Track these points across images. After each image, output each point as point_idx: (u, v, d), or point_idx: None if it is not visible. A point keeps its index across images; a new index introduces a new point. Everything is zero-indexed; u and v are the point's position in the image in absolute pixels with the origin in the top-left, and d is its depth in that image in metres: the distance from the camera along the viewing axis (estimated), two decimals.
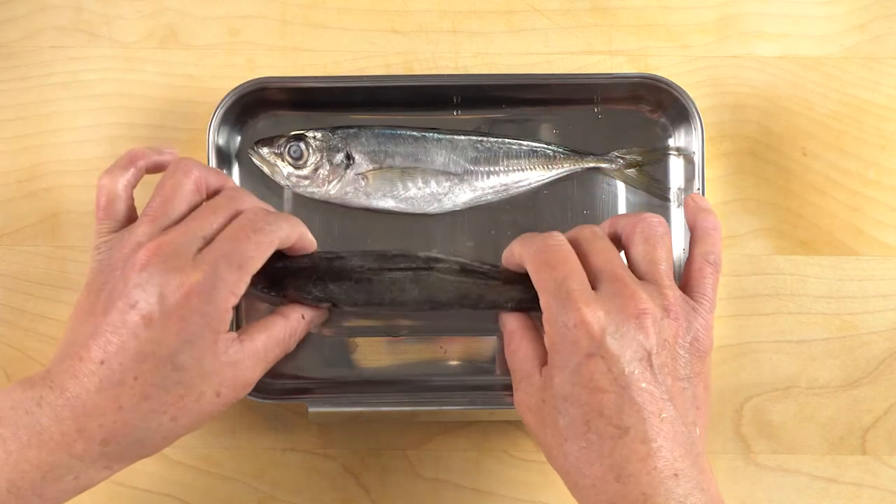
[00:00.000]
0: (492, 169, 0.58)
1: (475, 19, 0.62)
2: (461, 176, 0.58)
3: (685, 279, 0.49)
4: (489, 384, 0.58)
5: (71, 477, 0.44)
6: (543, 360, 0.47)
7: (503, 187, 0.59)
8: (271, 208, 0.52)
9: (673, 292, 0.46)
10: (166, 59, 0.61)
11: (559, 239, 0.48)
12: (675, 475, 0.43)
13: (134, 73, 0.61)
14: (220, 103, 0.57)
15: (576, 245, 0.48)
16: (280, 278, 0.52)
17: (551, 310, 0.45)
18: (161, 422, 0.44)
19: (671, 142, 0.60)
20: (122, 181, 0.49)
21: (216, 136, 0.57)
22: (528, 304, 0.51)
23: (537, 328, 0.50)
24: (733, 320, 0.60)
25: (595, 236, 0.49)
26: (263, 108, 0.59)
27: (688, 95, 0.57)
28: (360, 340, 0.58)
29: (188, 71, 0.61)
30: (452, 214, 0.59)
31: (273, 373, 0.58)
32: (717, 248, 0.50)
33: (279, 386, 0.58)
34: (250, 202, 0.50)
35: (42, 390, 0.43)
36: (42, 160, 0.61)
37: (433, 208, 0.58)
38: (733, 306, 0.60)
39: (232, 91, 0.57)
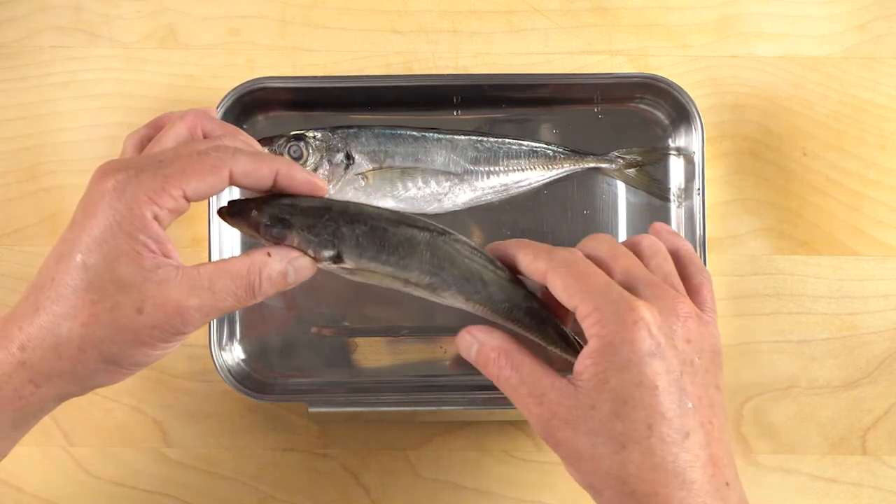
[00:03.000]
0: (492, 169, 0.58)
1: (475, 19, 0.62)
2: (461, 176, 0.58)
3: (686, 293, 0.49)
4: (489, 384, 0.58)
5: None
6: (553, 370, 0.45)
7: (503, 187, 0.59)
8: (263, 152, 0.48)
9: (691, 302, 0.46)
10: (166, 59, 0.61)
11: (579, 253, 0.47)
12: (727, 484, 0.42)
13: (134, 73, 0.61)
14: (220, 103, 0.57)
15: (593, 258, 0.47)
16: (287, 213, 0.47)
17: (601, 312, 0.43)
18: (72, 327, 0.42)
19: (671, 142, 0.60)
20: (133, 139, 0.52)
21: None
22: (517, 313, 0.49)
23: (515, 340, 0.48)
24: (733, 320, 0.60)
25: (613, 242, 0.48)
26: (263, 108, 0.59)
27: (688, 95, 0.58)
28: (360, 340, 0.58)
29: (188, 71, 0.61)
30: (452, 214, 0.59)
31: (273, 373, 0.58)
32: (702, 265, 0.50)
33: (279, 386, 0.58)
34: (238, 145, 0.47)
35: None
36: (42, 160, 0.61)
37: (433, 208, 0.58)
38: (733, 306, 0.60)
39: (232, 91, 0.57)
